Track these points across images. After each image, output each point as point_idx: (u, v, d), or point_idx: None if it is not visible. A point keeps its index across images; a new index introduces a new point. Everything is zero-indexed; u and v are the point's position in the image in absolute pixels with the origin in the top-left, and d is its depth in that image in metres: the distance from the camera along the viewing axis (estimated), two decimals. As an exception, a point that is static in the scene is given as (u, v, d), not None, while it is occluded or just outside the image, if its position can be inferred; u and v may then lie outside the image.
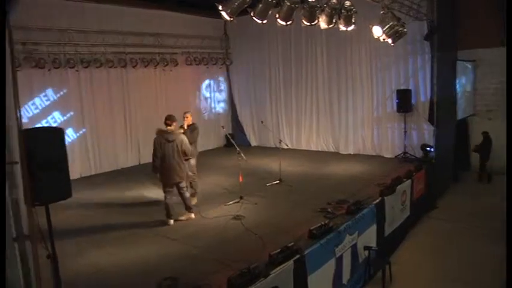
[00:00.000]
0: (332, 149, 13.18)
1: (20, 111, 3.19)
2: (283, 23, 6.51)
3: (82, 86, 11.29)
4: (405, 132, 11.45)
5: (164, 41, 12.79)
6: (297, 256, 5.82)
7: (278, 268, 5.45)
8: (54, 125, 10.58)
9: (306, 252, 5.98)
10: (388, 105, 11.87)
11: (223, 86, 15.39)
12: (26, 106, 10.26)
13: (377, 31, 8.81)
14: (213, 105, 15.17)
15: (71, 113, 11.21)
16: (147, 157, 12.50)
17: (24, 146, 3.36)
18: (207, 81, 14.75)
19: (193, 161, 8.67)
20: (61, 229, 7.48)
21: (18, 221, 3.06)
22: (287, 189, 9.45)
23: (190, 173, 8.59)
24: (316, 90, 13.23)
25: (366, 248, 7.30)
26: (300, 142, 13.83)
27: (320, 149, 13.41)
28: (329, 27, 7.44)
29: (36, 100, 10.51)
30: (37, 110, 10.52)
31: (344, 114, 12.70)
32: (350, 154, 12.60)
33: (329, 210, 7.67)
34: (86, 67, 10.89)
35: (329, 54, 12.73)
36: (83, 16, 10.99)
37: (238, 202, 8.45)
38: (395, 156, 11.71)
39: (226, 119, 15.52)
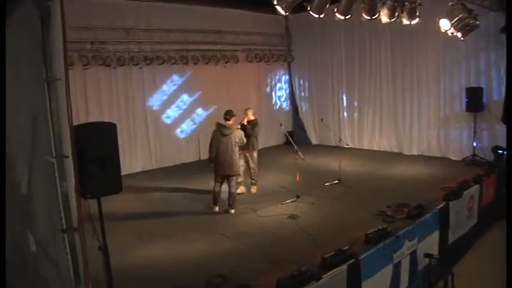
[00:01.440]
0: (395, 149, 12.64)
1: (71, 108, 3.27)
2: (342, 17, 6.26)
3: (145, 83, 11.65)
4: (474, 132, 10.70)
5: (226, 38, 12.88)
6: (352, 260, 5.62)
7: (331, 272, 5.29)
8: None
9: (361, 256, 5.76)
10: (456, 104, 11.15)
11: (284, 83, 15.25)
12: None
13: (445, 24, 8.23)
14: (274, 102, 15.11)
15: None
16: (207, 153, 12.81)
17: (76, 141, 3.48)
18: (267, 78, 14.68)
19: (255, 154, 9.17)
20: (119, 221, 7.80)
21: (67, 213, 3.15)
22: (346, 189, 9.19)
23: (252, 165, 9.18)
24: (380, 88, 12.73)
25: (426, 255, 6.90)
26: (362, 141, 13.39)
27: (382, 149, 12.92)
28: (391, 21, 7.07)
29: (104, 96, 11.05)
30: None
31: (409, 113, 12.11)
32: (413, 155, 11.99)
33: (388, 213, 7.35)
34: (148, 64, 11.22)
35: (394, 51, 12.19)
36: (149, 15, 11.33)
37: (294, 201, 8.35)
38: (463, 159, 10.98)
39: (287, 117, 15.39)
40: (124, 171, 11.13)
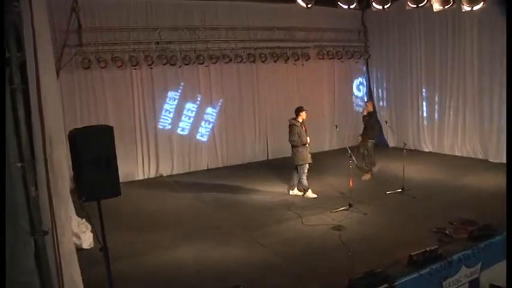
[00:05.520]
0: (479, 156, 11.18)
1: (42, 114, 3.20)
2: (379, 7, 5.56)
3: (212, 82, 11.69)
4: None
5: (296, 35, 12.43)
6: (385, 285, 4.99)
7: (356, 297, 4.74)
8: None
9: (398, 281, 5.10)
10: (557, 104, 9.50)
11: (361, 81, 14.34)
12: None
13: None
14: (349, 101, 14.29)
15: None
16: (276, 153, 12.58)
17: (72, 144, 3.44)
18: (342, 76, 13.91)
19: (369, 143, 9.90)
20: (167, 220, 7.92)
21: (36, 217, 3.11)
22: (408, 200, 8.32)
23: (365, 153, 9.98)
24: (464, 86, 11.37)
25: (493, 286, 5.92)
26: (443, 145, 12.10)
27: (465, 155, 11.52)
28: (445, 8, 6.08)
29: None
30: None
31: (497, 114, 10.57)
32: (501, 163, 10.33)
33: (447, 232, 6.45)
34: (214, 63, 11.19)
35: (480, 43, 10.76)
36: (216, 14, 11.33)
37: (346, 210, 7.79)
38: None
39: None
40: (190, 168, 11.64)
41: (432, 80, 12.18)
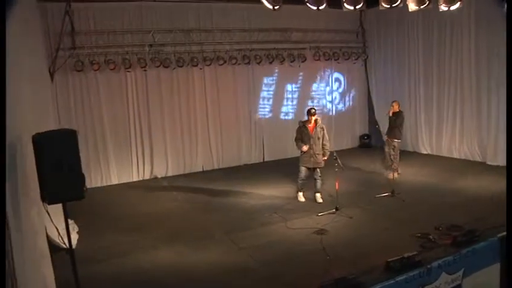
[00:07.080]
0: (477, 158, 10.90)
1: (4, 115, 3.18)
2: (351, 8, 5.47)
3: (207, 84, 11.65)
4: None
5: (292, 36, 12.35)
6: (357, 292, 4.88)
7: (325, 304, 4.65)
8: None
9: (371, 288, 4.98)
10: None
11: (358, 82, 14.15)
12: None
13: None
14: (347, 102, 14.15)
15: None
16: (271, 155, 12.61)
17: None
18: (337, 77, 13.78)
19: (396, 143, 9.86)
20: (153, 221, 7.89)
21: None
22: (397, 203, 8.14)
23: (392, 152, 9.89)
24: (461, 87, 11.14)
25: (475, 293, 5.77)
26: (441, 147, 11.88)
27: (463, 157, 11.26)
28: (422, 8, 5.94)
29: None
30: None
31: (495, 114, 10.28)
32: (499, 166, 10.08)
33: (431, 237, 6.28)
34: (208, 65, 11.14)
35: (478, 44, 10.52)
36: (211, 15, 11.31)
37: (333, 213, 7.67)
38: None
39: (363, 118, 14.37)
40: (185, 170, 11.62)
41: (430, 82, 11.97)
